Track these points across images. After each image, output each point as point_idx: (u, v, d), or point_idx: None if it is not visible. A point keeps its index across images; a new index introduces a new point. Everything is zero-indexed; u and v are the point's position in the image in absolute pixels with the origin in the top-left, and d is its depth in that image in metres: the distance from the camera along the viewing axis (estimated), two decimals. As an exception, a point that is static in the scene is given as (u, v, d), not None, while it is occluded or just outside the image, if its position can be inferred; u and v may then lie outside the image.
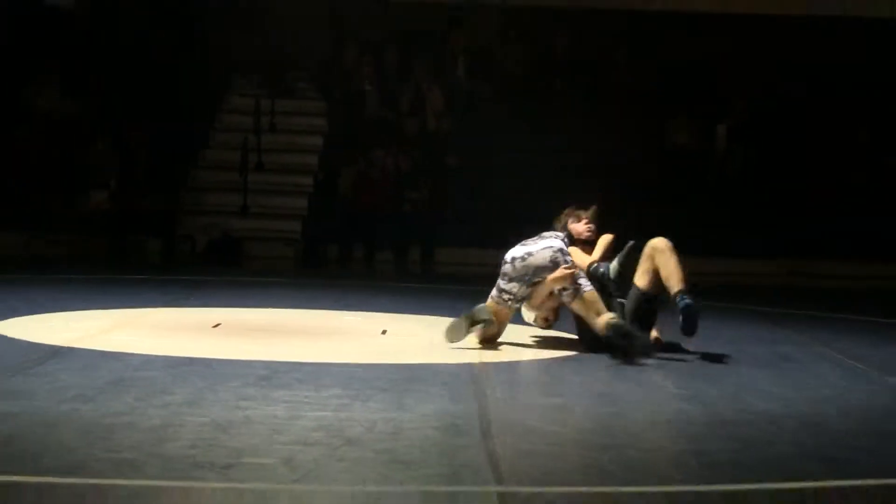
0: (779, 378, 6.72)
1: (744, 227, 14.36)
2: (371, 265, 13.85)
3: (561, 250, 7.28)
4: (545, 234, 7.50)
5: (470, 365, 6.84)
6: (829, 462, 4.83)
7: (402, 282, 10.59)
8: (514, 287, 7.30)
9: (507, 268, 7.32)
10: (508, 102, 15.77)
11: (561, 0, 16.50)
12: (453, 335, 7.20)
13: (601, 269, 7.41)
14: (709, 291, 7.93)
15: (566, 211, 7.72)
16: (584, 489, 4.30)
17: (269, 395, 5.69)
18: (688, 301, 7.00)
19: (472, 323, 7.19)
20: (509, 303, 7.32)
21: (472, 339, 7.29)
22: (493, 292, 7.35)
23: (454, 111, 15.61)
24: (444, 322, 8.42)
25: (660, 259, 7.20)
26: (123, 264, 12.93)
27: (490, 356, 7.10)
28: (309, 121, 16.14)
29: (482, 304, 7.27)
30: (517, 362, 7.05)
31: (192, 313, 8.82)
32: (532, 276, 7.28)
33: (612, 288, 7.36)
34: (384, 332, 8.10)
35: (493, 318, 7.26)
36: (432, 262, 14.12)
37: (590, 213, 7.69)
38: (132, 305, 9.00)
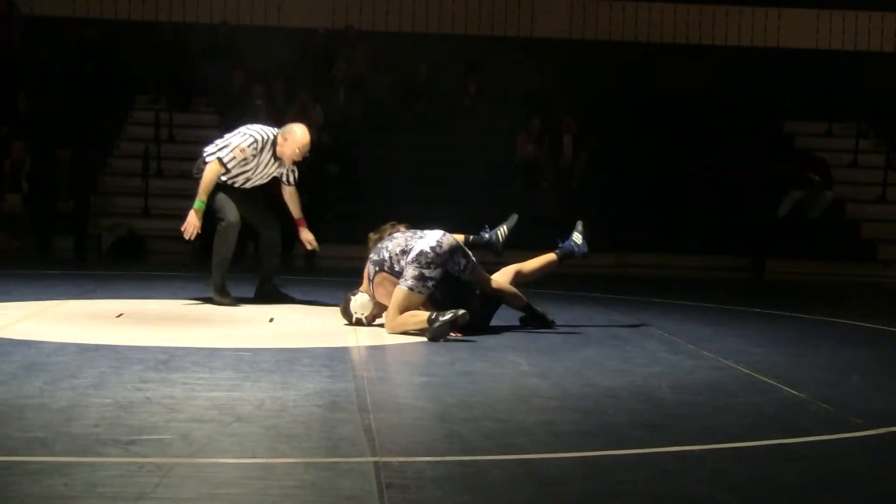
0: (616, 356, 6.76)
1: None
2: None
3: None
4: (417, 231, 7.45)
5: (348, 348, 6.77)
6: (655, 429, 4.86)
7: (288, 275, 10.46)
8: (438, 273, 7.17)
9: (430, 256, 7.14)
10: (377, 121, 15.95)
11: (421, 27, 16.84)
12: (439, 334, 6.97)
13: (486, 235, 7.66)
14: (552, 281, 8.01)
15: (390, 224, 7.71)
16: (447, 458, 4.26)
17: (167, 378, 5.56)
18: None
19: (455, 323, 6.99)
20: (432, 288, 7.17)
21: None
22: (411, 283, 7.10)
23: (333, 128, 15.67)
24: (327, 310, 8.39)
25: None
26: (38, 260, 12.64)
27: (365, 340, 7.04)
28: (204, 133, 16.01)
29: (451, 311, 6.95)
30: (389, 345, 6.99)
31: (99, 304, 8.61)
32: (449, 259, 7.22)
33: (499, 249, 7.68)
34: (271, 319, 7.98)
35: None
36: (314, 257, 14.07)
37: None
38: (45, 297, 8.76)
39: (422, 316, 7.05)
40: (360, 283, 7.55)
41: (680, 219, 14.84)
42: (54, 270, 11.29)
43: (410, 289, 7.14)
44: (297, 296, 8.98)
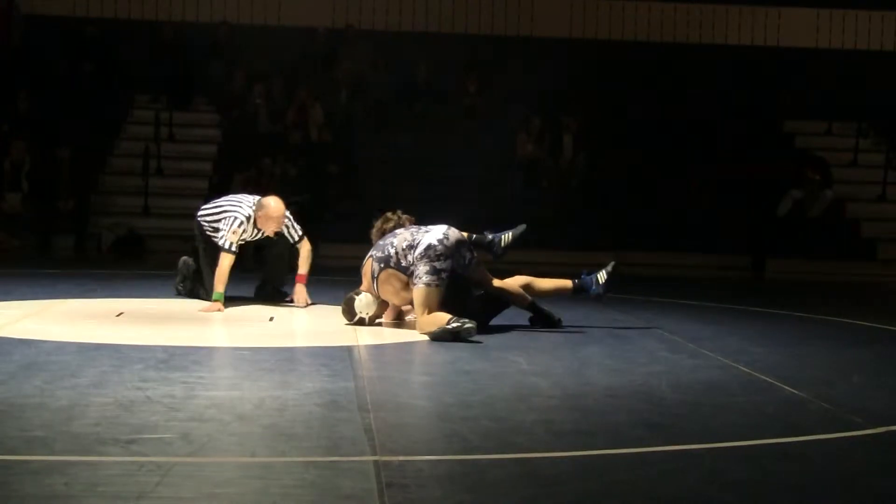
0: (616, 355, 6.76)
1: (578, 223, 14.54)
2: (260, 258, 13.74)
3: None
4: (422, 227, 7.45)
5: (348, 347, 6.77)
6: (655, 428, 4.86)
7: (288, 274, 10.46)
8: (448, 264, 7.18)
9: (439, 249, 7.15)
10: (377, 120, 15.95)
11: (420, 27, 16.85)
12: (438, 337, 6.99)
13: (490, 237, 7.60)
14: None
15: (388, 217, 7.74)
16: (446, 457, 4.27)
17: (167, 377, 5.56)
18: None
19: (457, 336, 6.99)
20: (446, 279, 7.16)
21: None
22: (427, 279, 7.07)
23: (333, 127, 15.68)
24: (326, 309, 8.38)
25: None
26: (38, 260, 12.64)
27: (365, 339, 7.04)
28: (204, 132, 16.03)
29: (465, 321, 6.95)
30: (389, 344, 6.99)
31: (100, 303, 8.61)
32: (456, 251, 7.24)
33: (498, 252, 7.60)
34: (272, 318, 7.98)
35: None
36: (316, 256, 14.06)
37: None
38: (45, 297, 8.77)
39: (443, 319, 7.03)
40: (360, 283, 7.54)
41: (680, 218, 14.83)
42: (54, 270, 11.30)
43: (427, 284, 7.11)
44: (298, 295, 8.96)
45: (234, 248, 8.29)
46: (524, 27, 17.44)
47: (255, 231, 8.47)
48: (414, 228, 7.42)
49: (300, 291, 8.55)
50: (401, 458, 4.17)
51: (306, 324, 7.79)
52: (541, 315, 7.74)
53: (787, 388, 5.84)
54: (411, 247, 7.23)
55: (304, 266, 8.62)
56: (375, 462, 4.10)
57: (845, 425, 5.01)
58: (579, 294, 7.80)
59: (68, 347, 6.35)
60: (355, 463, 4.12)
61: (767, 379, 6.07)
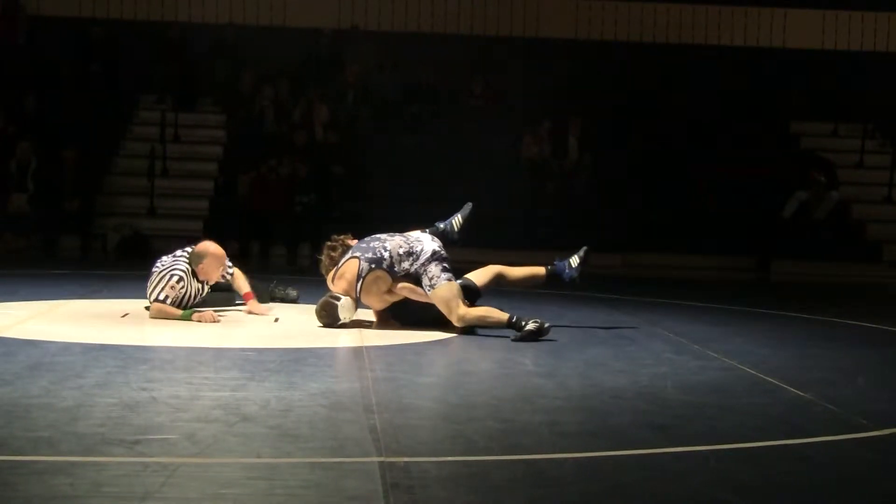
0: (621, 356, 6.76)
1: (583, 225, 14.51)
2: (266, 260, 13.81)
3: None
4: (397, 235, 7.51)
5: (353, 348, 6.77)
6: (660, 430, 4.86)
7: (294, 275, 10.47)
8: (449, 265, 7.40)
9: (442, 253, 7.39)
10: (383, 121, 15.98)
11: (425, 27, 16.86)
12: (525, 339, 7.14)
13: (441, 226, 7.64)
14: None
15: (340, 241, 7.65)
16: (451, 458, 4.27)
17: (172, 377, 5.57)
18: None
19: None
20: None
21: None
22: (446, 275, 7.29)
23: (339, 128, 15.68)
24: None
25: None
26: (44, 260, 12.66)
27: (371, 340, 7.04)
28: (210, 132, 16.04)
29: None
30: (395, 345, 6.99)
31: (105, 304, 8.62)
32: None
33: (455, 238, 7.62)
34: (276, 319, 7.98)
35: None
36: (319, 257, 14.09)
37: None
38: (50, 297, 8.78)
39: (502, 316, 7.20)
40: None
41: (685, 219, 14.82)
42: (60, 270, 11.31)
43: (449, 280, 7.31)
44: (303, 295, 8.98)
45: (166, 301, 7.74)
46: (529, 28, 17.45)
47: (198, 285, 7.99)
48: (401, 237, 7.45)
49: (258, 307, 8.16)
50: (406, 459, 4.17)
51: (312, 325, 7.78)
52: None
53: (792, 389, 5.84)
54: (410, 254, 7.33)
55: (245, 285, 8.25)
56: (380, 463, 4.11)
57: (850, 427, 5.01)
58: (553, 280, 7.83)
59: (74, 348, 6.36)
60: (360, 464, 4.12)
61: (772, 380, 6.06)
